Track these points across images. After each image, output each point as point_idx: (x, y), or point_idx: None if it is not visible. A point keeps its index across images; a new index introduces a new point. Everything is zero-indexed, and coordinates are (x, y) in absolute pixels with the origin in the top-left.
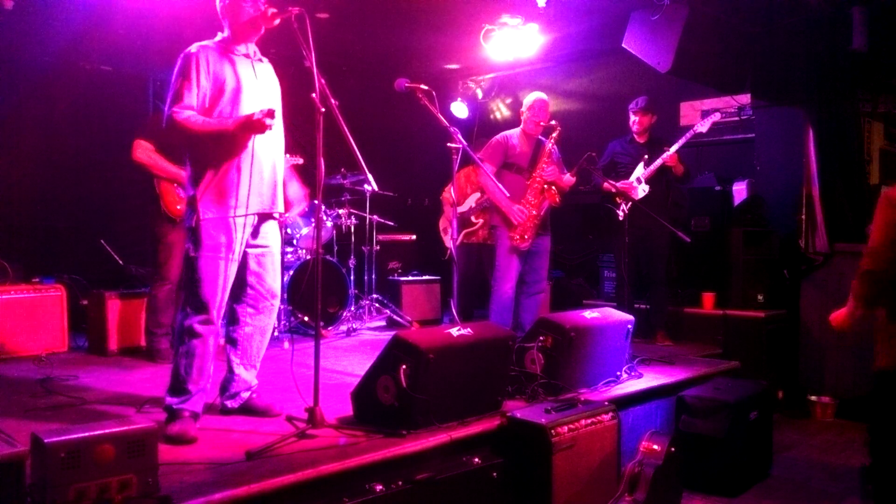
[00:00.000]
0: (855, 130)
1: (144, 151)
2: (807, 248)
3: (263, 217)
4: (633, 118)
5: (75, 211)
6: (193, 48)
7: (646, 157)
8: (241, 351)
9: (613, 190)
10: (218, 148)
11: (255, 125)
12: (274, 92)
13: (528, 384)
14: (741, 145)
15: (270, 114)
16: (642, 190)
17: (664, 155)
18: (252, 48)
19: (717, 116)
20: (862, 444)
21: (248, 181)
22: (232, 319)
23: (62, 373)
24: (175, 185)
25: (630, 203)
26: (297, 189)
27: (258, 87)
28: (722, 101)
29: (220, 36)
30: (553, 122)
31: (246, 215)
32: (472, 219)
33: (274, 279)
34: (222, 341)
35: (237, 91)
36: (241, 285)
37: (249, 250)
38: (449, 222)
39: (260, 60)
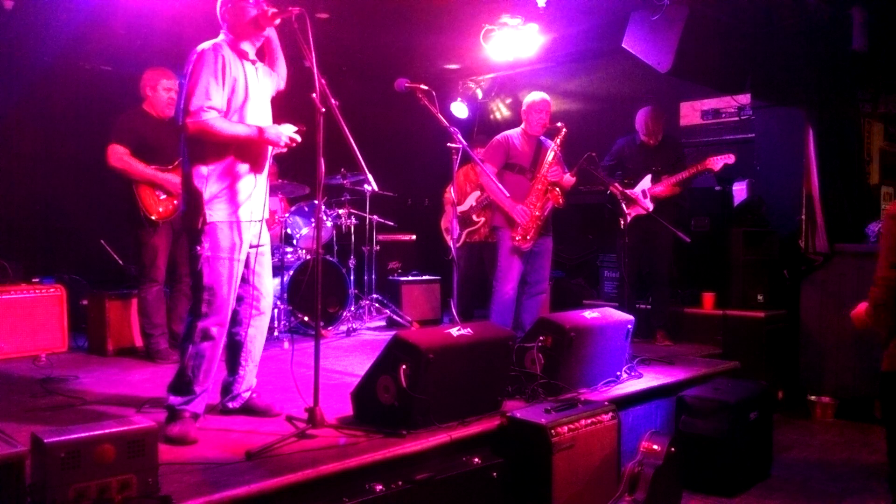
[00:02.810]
0: (855, 130)
1: (119, 156)
2: (807, 248)
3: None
4: (644, 138)
5: (75, 211)
6: (212, 45)
7: (654, 169)
8: (247, 352)
9: (619, 195)
10: (235, 152)
11: (288, 140)
12: (268, 98)
13: (528, 384)
14: (741, 145)
15: (301, 132)
16: (647, 204)
17: (664, 184)
18: (253, 52)
19: (731, 159)
20: (862, 444)
21: (252, 187)
22: (235, 321)
23: (62, 373)
24: (153, 188)
25: (633, 212)
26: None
27: (260, 92)
28: (722, 102)
29: (225, 36)
30: (559, 124)
31: (258, 221)
32: (474, 217)
33: (269, 277)
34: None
35: (244, 96)
36: (244, 285)
37: (250, 249)
38: (450, 222)
39: (258, 67)
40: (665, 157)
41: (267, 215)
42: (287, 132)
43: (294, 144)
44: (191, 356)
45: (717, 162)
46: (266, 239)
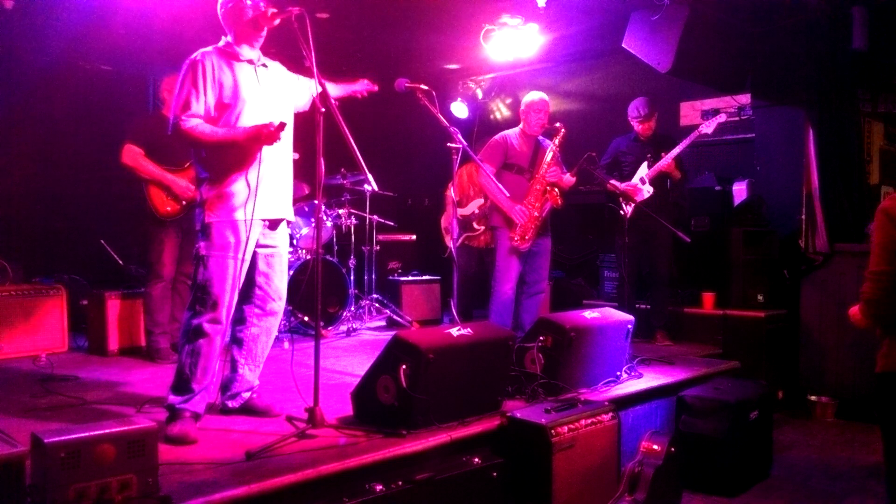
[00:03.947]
0: (855, 130)
1: (133, 156)
2: (807, 248)
3: (273, 220)
4: (637, 127)
5: (75, 211)
6: (198, 55)
7: (649, 156)
8: (247, 351)
9: (617, 191)
10: (226, 154)
11: (265, 137)
12: (279, 97)
13: (528, 384)
14: (741, 145)
15: (282, 127)
16: (647, 191)
17: (662, 162)
18: (256, 53)
19: (722, 118)
20: (862, 444)
21: (255, 187)
22: (239, 319)
23: (62, 373)
24: (163, 188)
25: (633, 205)
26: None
27: (261, 93)
28: (722, 101)
29: (223, 41)
30: (558, 125)
31: (252, 220)
32: (475, 224)
33: (281, 280)
34: (227, 340)
35: (239, 98)
36: (249, 285)
37: (259, 250)
38: (450, 221)
39: (264, 66)
40: (660, 148)
41: (290, 216)
42: (270, 127)
43: (277, 137)
44: (187, 353)
45: (709, 126)
46: (280, 241)
